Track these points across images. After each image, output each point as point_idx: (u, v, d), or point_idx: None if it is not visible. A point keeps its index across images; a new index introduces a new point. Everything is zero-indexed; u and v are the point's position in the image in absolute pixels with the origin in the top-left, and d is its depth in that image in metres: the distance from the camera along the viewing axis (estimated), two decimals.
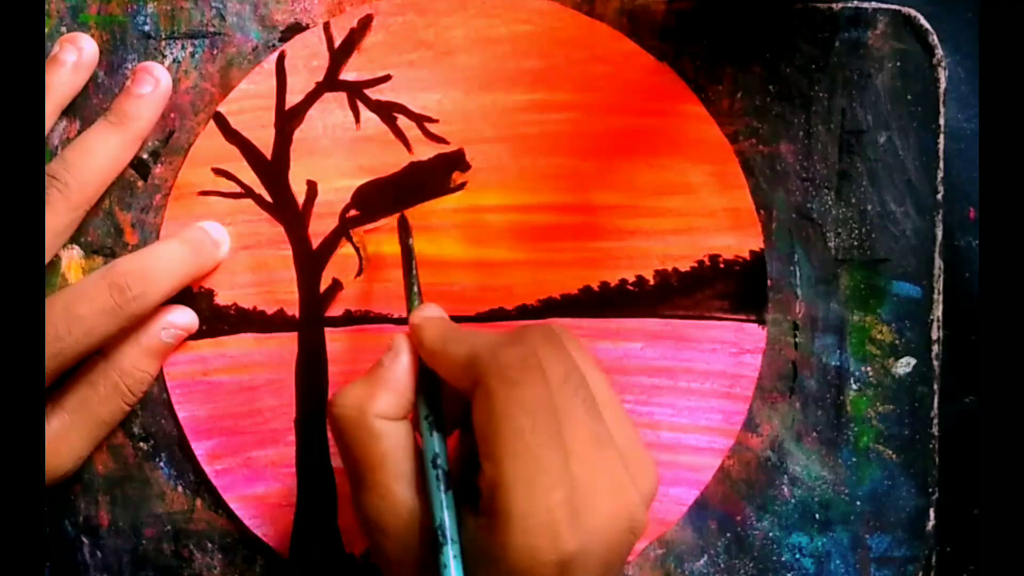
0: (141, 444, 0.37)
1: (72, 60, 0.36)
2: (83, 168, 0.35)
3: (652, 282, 0.37)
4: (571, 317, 0.37)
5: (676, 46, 0.37)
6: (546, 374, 0.26)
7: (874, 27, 0.37)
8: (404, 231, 0.35)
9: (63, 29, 0.37)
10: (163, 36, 0.37)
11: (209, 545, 0.37)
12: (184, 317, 0.36)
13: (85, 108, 0.37)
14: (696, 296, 0.37)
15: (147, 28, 0.37)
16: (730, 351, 0.37)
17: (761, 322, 0.37)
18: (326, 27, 0.37)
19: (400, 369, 0.29)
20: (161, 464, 0.37)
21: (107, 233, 0.37)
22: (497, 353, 0.27)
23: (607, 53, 0.37)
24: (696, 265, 0.37)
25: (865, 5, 0.37)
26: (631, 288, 0.37)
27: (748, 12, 0.37)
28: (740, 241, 0.37)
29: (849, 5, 0.37)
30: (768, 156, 0.37)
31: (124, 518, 0.37)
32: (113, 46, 0.37)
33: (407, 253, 0.35)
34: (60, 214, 0.35)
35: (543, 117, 0.37)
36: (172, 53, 0.37)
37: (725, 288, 0.37)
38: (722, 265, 0.37)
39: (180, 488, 0.37)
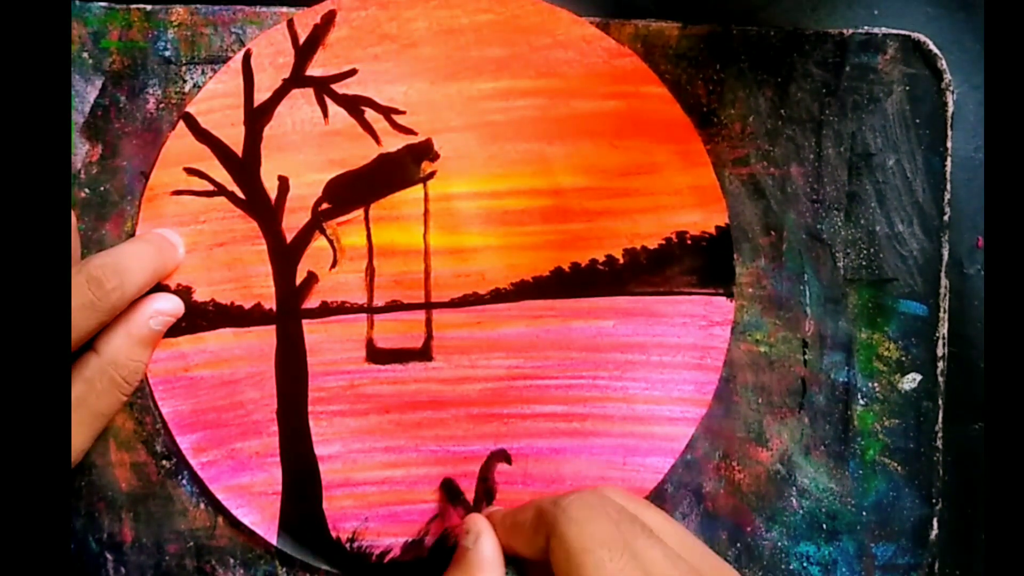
0: (164, 462, 0.37)
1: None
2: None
3: (622, 261, 0.38)
4: (544, 299, 0.38)
5: (689, 71, 0.38)
6: (607, 512, 0.29)
7: (884, 52, 0.38)
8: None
9: (85, 55, 0.37)
10: (183, 61, 0.37)
11: (231, 561, 0.37)
12: (169, 303, 0.36)
13: (107, 132, 0.37)
14: (665, 272, 0.38)
15: (167, 53, 0.37)
16: (699, 324, 0.38)
17: (729, 295, 0.38)
18: (290, 24, 0.37)
19: (488, 549, 0.31)
20: (183, 482, 0.37)
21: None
22: (558, 501, 0.29)
23: (569, 39, 0.38)
24: (664, 242, 0.38)
25: (875, 31, 0.38)
26: (601, 268, 0.38)
27: (759, 37, 0.38)
28: (706, 217, 0.38)
29: (860, 31, 0.38)
30: (779, 178, 0.38)
31: (147, 534, 0.37)
32: (134, 71, 0.37)
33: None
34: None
35: (508, 104, 0.38)
36: (192, 78, 0.37)
37: (693, 263, 0.38)
38: (689, 241, 0.38)
39: (202, 505, 0.37)
